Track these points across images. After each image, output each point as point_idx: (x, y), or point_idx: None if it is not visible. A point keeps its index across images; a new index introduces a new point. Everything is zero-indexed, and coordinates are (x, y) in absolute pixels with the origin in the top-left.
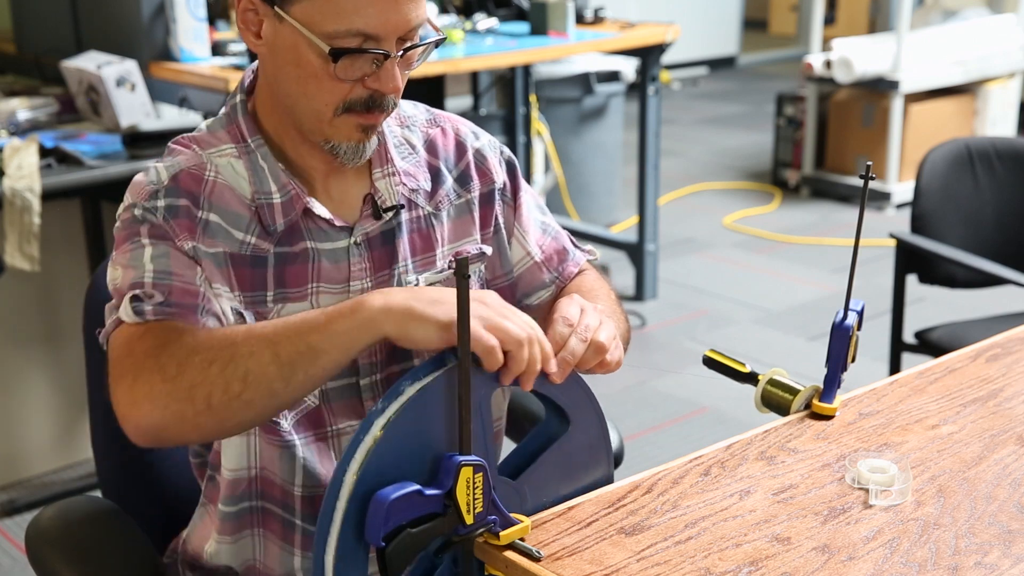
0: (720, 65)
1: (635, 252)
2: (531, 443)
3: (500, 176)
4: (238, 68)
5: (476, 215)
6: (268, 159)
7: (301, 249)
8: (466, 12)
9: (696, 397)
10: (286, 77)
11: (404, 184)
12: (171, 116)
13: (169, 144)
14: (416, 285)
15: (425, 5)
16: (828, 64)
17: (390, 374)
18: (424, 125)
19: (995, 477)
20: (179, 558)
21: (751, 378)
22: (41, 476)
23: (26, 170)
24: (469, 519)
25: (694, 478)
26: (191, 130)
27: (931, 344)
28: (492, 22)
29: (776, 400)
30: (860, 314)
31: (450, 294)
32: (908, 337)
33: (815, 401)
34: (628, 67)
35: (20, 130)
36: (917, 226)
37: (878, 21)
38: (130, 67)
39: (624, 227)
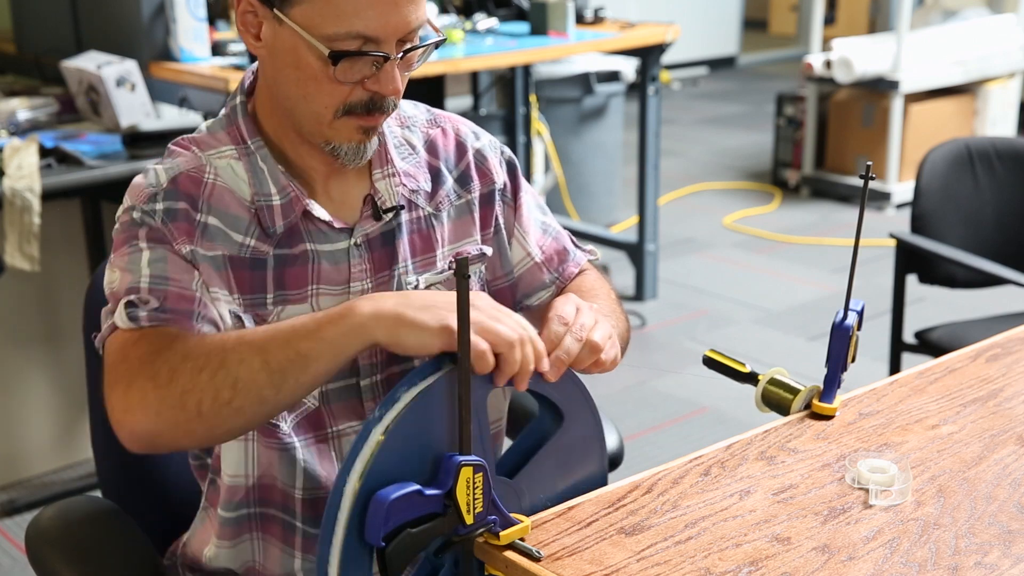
0: (720, 65)
1: (635, 252)
2: (525, 441)
3: (500, 176)
4: (238, 68)
5: (476, 216)
6: (268, 161)
7: (300, 251)
8: (466, 12)
9: (696, 397)
10: (286, 79)
11: (404, 185)
12: (171, 116)
13: (169, 146)
14: (416, 286)
15: (425, 6)
16: (828, 64)
17: (390, 375)
18: (424, 125)
19: (995, 477)
20: (179, 561)
21: (751, 378)
22: (41, 476)
23: (26, 170)
24: (469, 519)
25: (694, 478)
26: (191, 130)
27: (931, 344)
28: (492, 22)
29: (776, 400)
30: (860, 314)
31: (440, 298)
32: (908, 337)
33: (815, 401)
34: (628, 67)
35: (20, 130)
36: (917, 226)
37: (878, 21)
38: (130, 67)
39: (624, 227)
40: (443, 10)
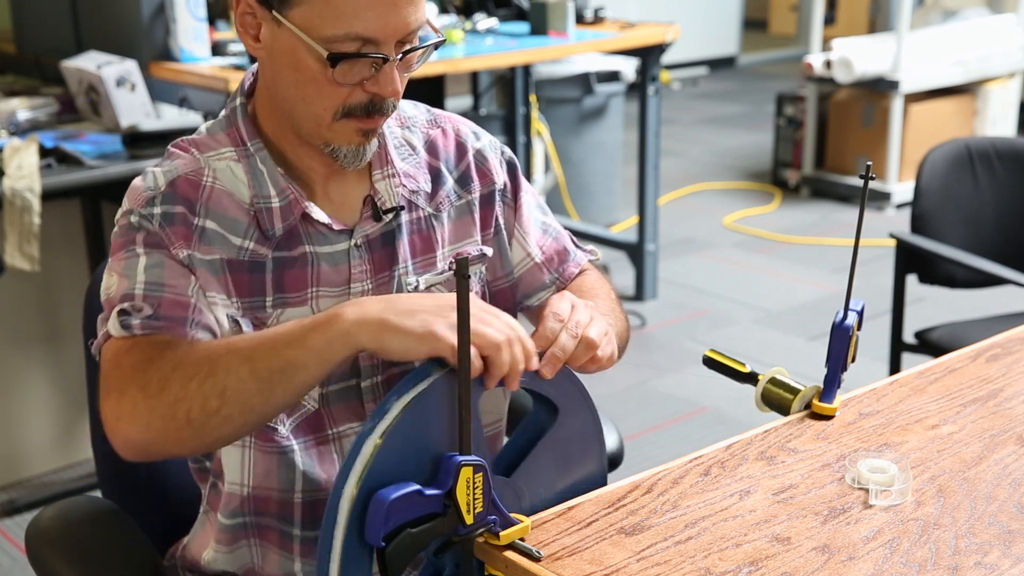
0: (720, 65)
1: (635, 252)
2: (520, 437)
3: (501, 177)
4: (238, 68)
5: (477, 216)
6: (267, 163)
7: (300, 253)
8: (466, 12)
9: (696, 397)
10: (285, 81)
11: (404, 185)
12: (171, 116)
13: (168, 147)
14: (416, 286)
15: (424, 7)
16: (828, 64)
17: (391, 376)
18: (425, 126)
19: (995, 477)
20: (178, 563)
21: (751, 378)
22: (41, 476)
23: (26, 170)
24: (469, 519)
25: (694, 478)
26: (191, 130)
27: (931, 344)
28: (492, 22)
29: (776, 400)
30: (860, 314)
31: (427, 302)
32: (908, 337)
33: (815, 401)
34: (628, 67)
35: (20, 130)
36: (917, 226)
37: (878, 21)
38: (130, 67)
39: (624, 227)
40: (443, 10)
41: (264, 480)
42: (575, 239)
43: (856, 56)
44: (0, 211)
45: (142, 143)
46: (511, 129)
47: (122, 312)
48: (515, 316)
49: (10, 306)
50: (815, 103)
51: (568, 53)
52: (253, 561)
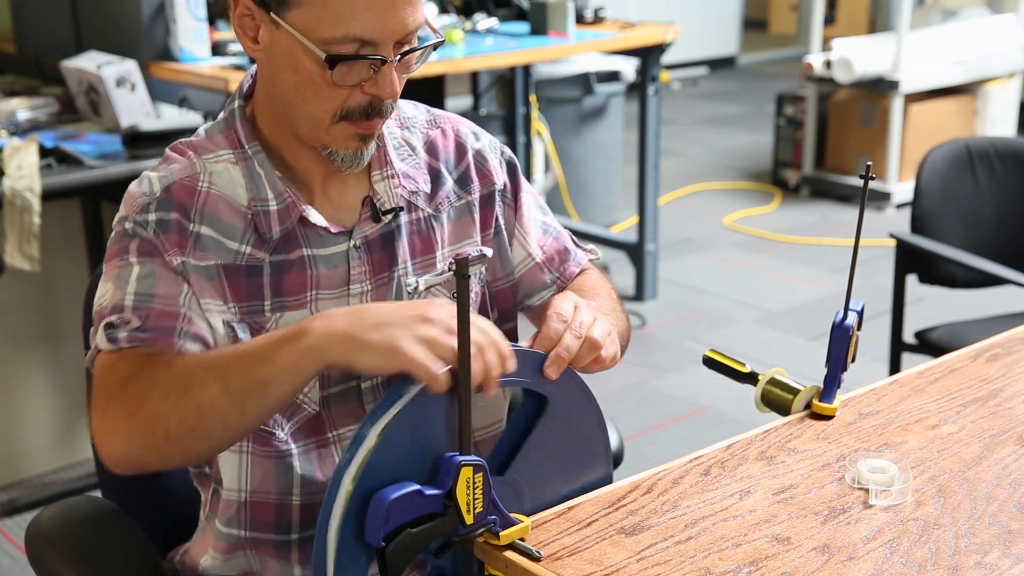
0: (720, 65)
1: (635, 252)
2: (511, 432)
3: (500, 177)
4: (238, 68)
5: (476, 217)
6: (265, 166)
7: (297, 257)
8: (466, 12)
9: (696, 397)
10: (283, 83)
11: (403, 186)
12: (171, 116)
13: (166, 150)
14: (416, 287)
15: (422, 8)
16: (828, 64)
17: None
18: (424, 126)
19: (995, 477)
20: (178, 567)
21: (751, 378)
22: (41, 476)
23: (26, 170)
24: (469, 519)
25: (694, 478)
26: (191, 130)
27: (931, 344)
28: (492, 22)
29: (776, 400)
30: (860, 314)
31: (397, 314)
32: (908, 337)
33: (815, 401)
34: (628, 67)
35: (20, 130)
36: (917, 226)
37: (878, 21)
38: (130, 67)
39: (624, 227)
40: (443, 10)
41: (261, 485)
42: (575, 239)
43: (856, 56)
44: (0, 211)
45: (142, 143)
46: (511, 129)
47: (108, 326)
48: (515, 316)
49: (10, 306)
50: (815, 103)
51: (568, 53)
52: (251, 567)
